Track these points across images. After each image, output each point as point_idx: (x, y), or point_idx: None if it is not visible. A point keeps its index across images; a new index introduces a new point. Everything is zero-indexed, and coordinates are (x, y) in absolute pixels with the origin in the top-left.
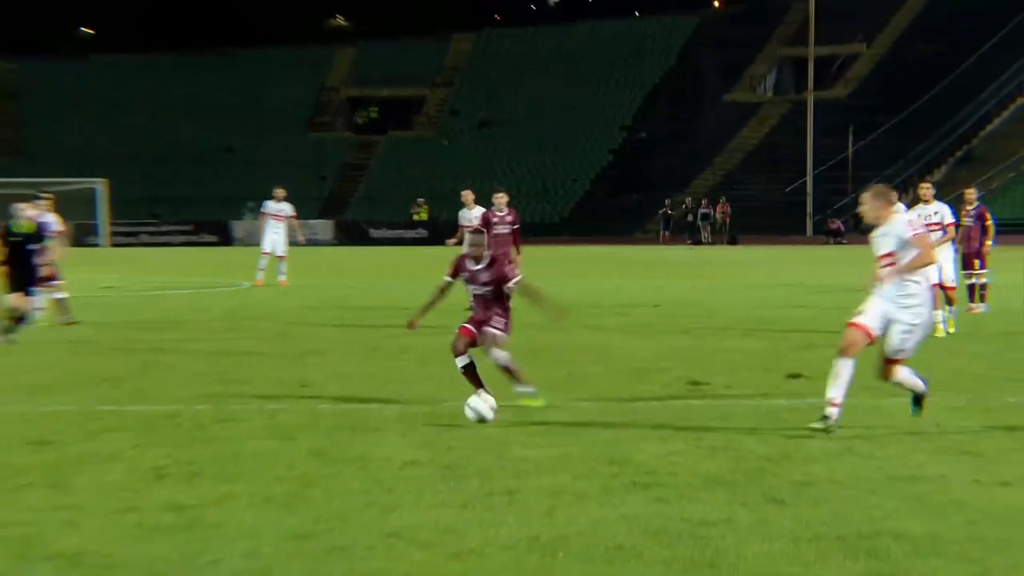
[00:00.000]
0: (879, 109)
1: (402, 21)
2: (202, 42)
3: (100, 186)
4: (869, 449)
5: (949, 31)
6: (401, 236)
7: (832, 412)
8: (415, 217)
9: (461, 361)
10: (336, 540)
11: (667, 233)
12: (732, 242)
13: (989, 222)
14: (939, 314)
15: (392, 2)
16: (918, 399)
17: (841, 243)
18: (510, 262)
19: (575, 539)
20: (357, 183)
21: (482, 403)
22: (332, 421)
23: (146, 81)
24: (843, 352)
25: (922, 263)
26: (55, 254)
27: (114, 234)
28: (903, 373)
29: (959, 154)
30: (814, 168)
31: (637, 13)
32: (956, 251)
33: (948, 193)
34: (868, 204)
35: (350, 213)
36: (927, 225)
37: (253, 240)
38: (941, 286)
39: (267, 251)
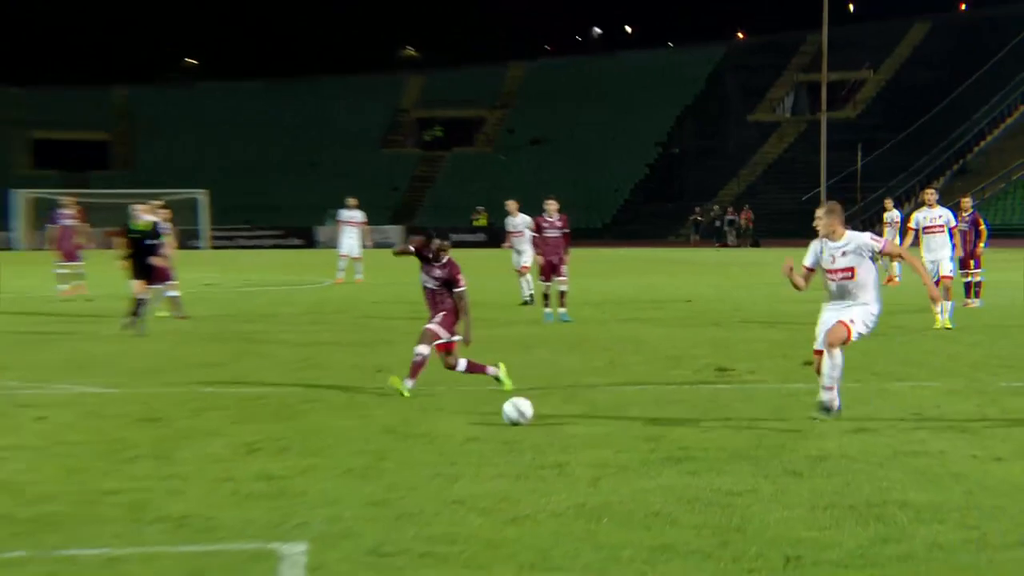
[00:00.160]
0: (884, 128)
1: (465, 51)
2: (291, 70)
3: (202, 196)
4: (877, 427)
5: (946, 60)
6: (463, 239)
7: (827, 398)
8: (475, 223)
9: (461, 367)
10: (406, 507)
11: (697, 237)
12: (755, 245)
13: (982, 227)
14: (945, 306)
15: (456, 35)
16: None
17: None
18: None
19: (617, 506)
20: (424, 193)
21: (514, 409)
22: (402, 402)
23: (243, 105)
24: (819, 372)
25: (911, 255)
26: (167, 250)
27: (214, 238)
28: (832, 362)
29: (956, 167)
30: (827, 180)
31: (671, 44)
32: (954, 248)
33: (946, 202)
34: (824, 219)
35: (418, 219)
36: (927, 228)
37: (334, 243)
38: (941, 279)
39: (344, 254)
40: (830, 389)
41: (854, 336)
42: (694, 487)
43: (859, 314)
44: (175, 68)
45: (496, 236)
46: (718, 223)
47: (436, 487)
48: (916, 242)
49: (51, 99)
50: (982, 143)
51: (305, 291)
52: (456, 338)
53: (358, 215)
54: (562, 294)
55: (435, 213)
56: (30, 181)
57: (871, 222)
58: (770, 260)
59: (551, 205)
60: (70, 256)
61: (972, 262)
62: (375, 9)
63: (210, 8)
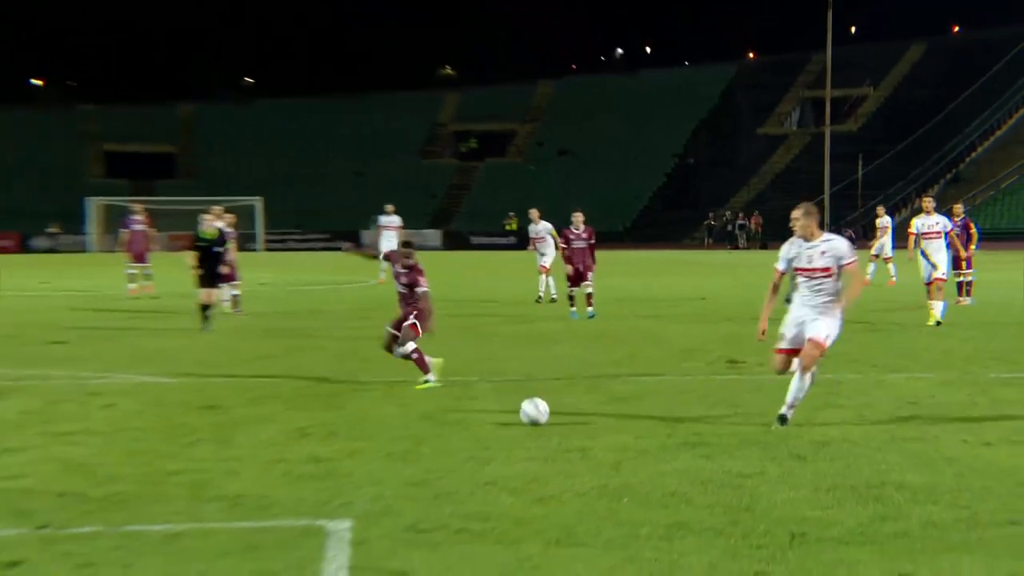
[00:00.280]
0: (883, 140)
1: (497, 71)
2: (338, 89)
3: (257, 203)
4: (875, 415)
5: (941, 78)
6: (495, 242)
7: (790, 416)
8: (506, 227)
9: (406, 350)
10: (443, 487)
11: (710, 240)
12: (763, 247)
13: (973, 231)
14: (937, 305)
15: (489, 55)
16: (787, 413)
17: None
18: (584, 269)
19: (637, 487)
20: (460, 200)
21: (533, 408)
22: (439, 391)
23: (295, 120)
24: (778, 373)
25: (858, 290)
26: (232, 254)
27: (268, 241)
28: (802, 384)
29: (949, 176)
30: (830, 188)
31: (687, 63)
32: (949, 251)
33: (940, 208)
34: (802, 220)
35: (455, 224)
36: (924, 233)
37: (377, 246)
38: (936, 280)
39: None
40: (793, 407)
41: (826, 350)
42: (707, 470)
43: (832, 328)
44: (234, 87)
45: (525, 239)
46: (730, 227)
47: (470, 469)
48: (917, 244)
49: (122, 115)
50: (973, 154)
51: (351, 290)
52: (407, 322)
53: (396, 219)
54: (589, 295)
55: (470, 219)
56: (102, 190)
57: (871, 226)
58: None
59: (578, 217)
60: (139, 258)
61: (964, 263)
62: (416, 33)
63: (266, 33)
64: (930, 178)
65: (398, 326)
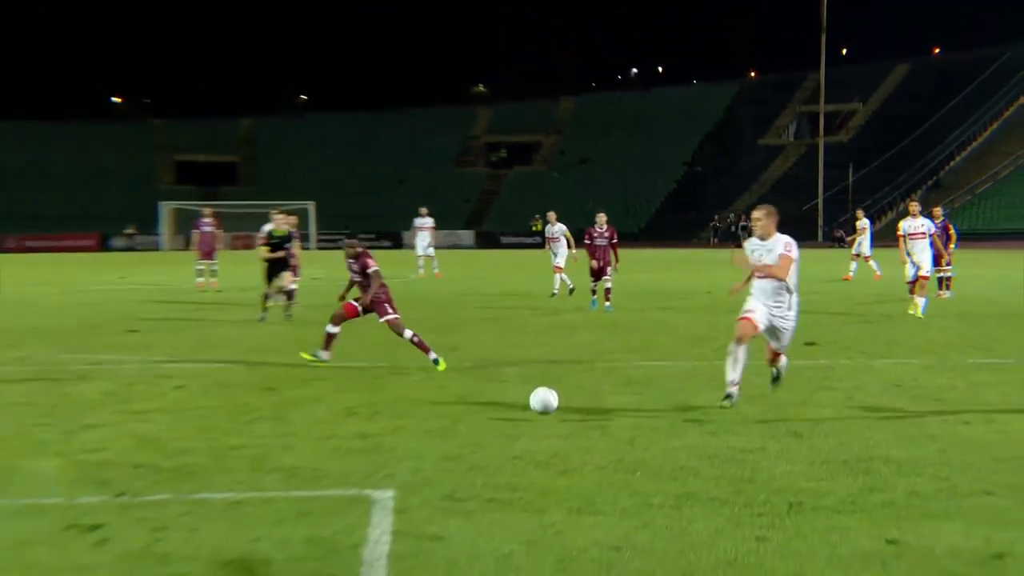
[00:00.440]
0: (871, 150)
1: (525, 88)
2: (383, 104)
3: (311, 207)
4: (864, 397)
5: (923, 95)
6: (522, 242)
7: (733, 391)
8: (533, 228)
9: (331, 329)
10: (476, 461)
11: (716, 240)
12: None
13: (952, 232)
14: (920, 300)
15: (518, 75)
16: (777, 376)
17: (843, 246)
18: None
19: (650, 461)
20: (491, 204)
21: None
22: (473, 374)
23: (344, 132)
24: (739, 341)
25: (774, 273)
26: (296, 250)
27: (320, 240)
28: (783, 360)
29: (930, 183)
30: (824, 193)
31: (694, 81)
32: (933, 250)
33: (923, 211)
34: (763, 220)
35: (486, 225)
36: (911, 235)
37: (414, 245)
38: (921, 277)
39: (420, 254)
40: (737, 384)
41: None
42: (713, 445)
43: (788, 336)
44: (290, 103)
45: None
46: (733, 228)
47: (500, 445)
48: (905, 243)
49: (190, 128)
50: (952, 163)
51: (393, 284)
52: (395, 316)
53: (429, 221)
54: (607, 290)
55: (500, 221)
56: (172, 195)
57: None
58: None
59: (601, 217)
60: (207, 256)
61: (944, 260)
62: (452, 55)
63: (319, 55)
64: (913, 184)
65: (352, 309)
